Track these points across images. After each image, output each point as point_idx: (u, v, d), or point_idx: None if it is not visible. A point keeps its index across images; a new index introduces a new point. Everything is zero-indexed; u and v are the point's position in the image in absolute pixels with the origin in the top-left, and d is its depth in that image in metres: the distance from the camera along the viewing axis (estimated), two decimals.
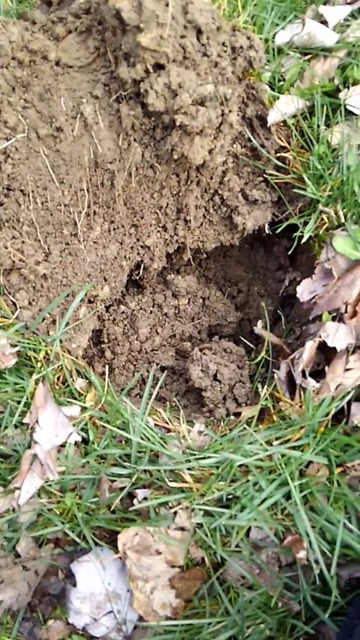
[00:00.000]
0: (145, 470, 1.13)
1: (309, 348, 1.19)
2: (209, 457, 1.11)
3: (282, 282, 1.56)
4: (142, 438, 1.15)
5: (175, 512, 1.11)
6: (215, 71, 1.22)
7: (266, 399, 1.22)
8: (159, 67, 1.16)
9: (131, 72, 1.16)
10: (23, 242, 1.23)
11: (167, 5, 1.12)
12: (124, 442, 1.18)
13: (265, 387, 1.24)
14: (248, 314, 1.63)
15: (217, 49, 1.21)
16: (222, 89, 1.18)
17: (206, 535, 1.07)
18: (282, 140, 1.37)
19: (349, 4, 1.50)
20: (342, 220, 1.27)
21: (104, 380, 1.28)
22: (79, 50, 1.27)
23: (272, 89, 1.39)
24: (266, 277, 1.62)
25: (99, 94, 1.23)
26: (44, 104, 1.22)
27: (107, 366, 1.44)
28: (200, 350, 1.38)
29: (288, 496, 1.08)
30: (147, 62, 1.14)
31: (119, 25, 1.16)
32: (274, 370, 1.27)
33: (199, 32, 1.16)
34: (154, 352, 1.46)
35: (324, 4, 1.48)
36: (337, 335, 1.19)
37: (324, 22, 1.44)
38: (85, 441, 1.20)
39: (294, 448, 1.12)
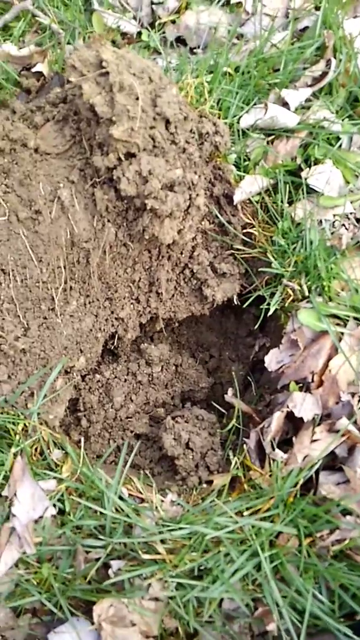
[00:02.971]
0: (119, 542, 1.16)
1: (277, 418, 1.24)
2: (181, 528, 1.14)
3: (252, 347, 1.63)
4: (116, 509, 1.18)
5: (149, 583, 1.13)
6: (183, 156, 1.31)
7: (237, 468, 1.27)
8: (130, 155, 1.24)
9: (104, 161, 1.24)
10: (3, 319, 1.28)
11: (137, 99, 1.21)
12: (99, 513, 1.21)
13: (236, 455, 1.28)
14: (220, 378, 1.69)
15: (184, 136, 1.30)
16: (189, 175, 1.26)
17: (179, 606, 1.10)
18: (247, 217, 1.46)
19: (310, 86, 1.62)
20: (307, 293, 1.34)
21: (80, 448, 1.32)
22: (56, 138, 1.35)
23: (238, 169, 1.48)
24: (237, 342, 1.69)
25: (75, 179, 1.31)
26: (23, 188, 1.30)
27: (82, 435, 1.48)
28: (173, 418, 1.43)
29: (259, 567, 1.11)
30: (119, 152, 1.22)
31: (93, 117, 1.25)
32: (244, 438, 1.31)
33: (167, 122, 1.26)
34: (129, 419, 1.51)
35: (286, 87, 1.60)
36: (303, 405, 1.24)
37: (286, 104, 1.55)
38: (61, 512, 1.23)
39: (264, 519, 1.15)
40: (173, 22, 1.83)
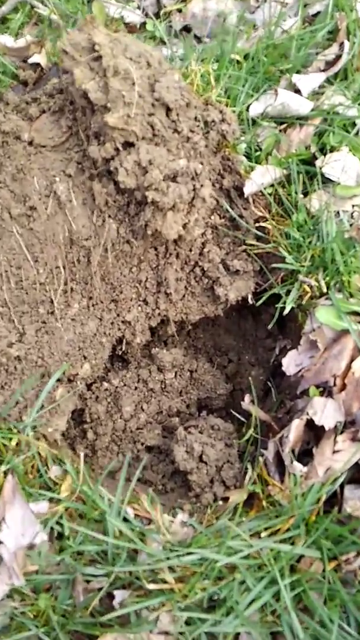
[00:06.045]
0: (123, 570, 1.04)
1: (295, 427, 1.12)
2: (190, 553, 1.03)
3: (272, 350, 1.51)
4: (120, 533, 1.07)
5: (157, 616, 1.02)
6: (187, 146, 1.22)
7: (254, 483, 1.15)
8: (128, 145, 1.16)
9: (101, 151, 1.16)
10: None
11: (133, 84, 1.13)
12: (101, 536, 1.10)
13: (253, 469, 1.16)
14: (240, 384, 1.57)
15: (188, 124, 1.22)
16: (192, 164, 1.17)
17: None
18: (260, 210, 1.36)
19: (323, 71, 1.52)
20: (325, 289, 1.23)
21: (85, 464, 1.22)
22: (52, 129, 1.28)
23: (249, 159, 1.39)
24: (256, 345, 1.58)
25: (72, 173, 1.23)
26: (16, 183, 1.23)
27: (89, 448, 1.37)
28: (186, 428, 1.31)
29: (278, 596, 0.99)
30: (116, 141, 1.15)
31: (87, 105, 1.18)
32: (262, 449, 1.20)
33: (168, 109, 1.18)
34: (139, 430, 1.40)
35: (297, 72, 1.50)
36: (325, 412, 1.12)
37: (298, 91, 1.46)
38: (60, 535, 1.12)
39: (283, 540, 1.03)
40: (179, 10, 1.77)
